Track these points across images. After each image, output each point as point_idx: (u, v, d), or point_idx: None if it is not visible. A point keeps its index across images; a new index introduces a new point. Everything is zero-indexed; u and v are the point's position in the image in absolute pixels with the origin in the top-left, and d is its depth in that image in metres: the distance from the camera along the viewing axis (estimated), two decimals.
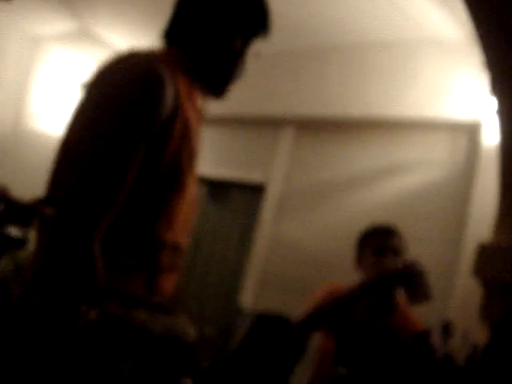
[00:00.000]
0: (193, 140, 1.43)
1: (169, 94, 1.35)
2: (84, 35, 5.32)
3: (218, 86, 1.59)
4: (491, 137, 3.50)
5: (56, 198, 1.19)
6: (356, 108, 4.21)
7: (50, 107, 5.74)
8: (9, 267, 4.45)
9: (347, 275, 3.49)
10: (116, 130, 1.31)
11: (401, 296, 2.82)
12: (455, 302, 3.42)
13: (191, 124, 1.43)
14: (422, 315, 2.94)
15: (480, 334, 2.18)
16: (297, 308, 2.97)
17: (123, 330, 0.70)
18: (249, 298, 4.44)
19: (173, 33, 1.61)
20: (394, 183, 4.06)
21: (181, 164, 1.39)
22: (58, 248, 1.17)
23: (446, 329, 1.95)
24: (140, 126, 1.32)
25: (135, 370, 0.65)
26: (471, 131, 3.76)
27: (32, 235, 1.04)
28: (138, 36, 5.16)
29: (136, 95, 1.33)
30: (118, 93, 1.34)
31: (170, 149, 1.36)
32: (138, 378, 0.64)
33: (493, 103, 2.56)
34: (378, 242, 2.74)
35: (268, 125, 4.73)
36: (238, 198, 4.95)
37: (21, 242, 0.90)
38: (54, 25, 5.22)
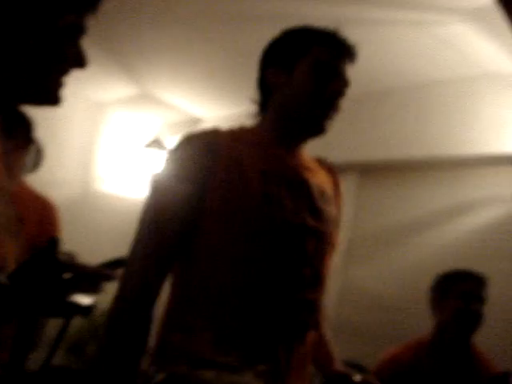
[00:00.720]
0: (249, 188, 1.44)
1: (197, 152, 1.46)
2: (146, 98, 5.47)
3: (311, 125, 1.60)
4: None
5: (124, 260, 1.23)
6: (418, 149, 4.18)
7: (116, 170, 5.89)
8: (84, 327, 4.53)
9: (420, 319, 3.43)
10: (153, 196, 1.47)
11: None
12: None
13: (253, 176, 1.45)
14: (501, 359, 2.86)
15: None
16: (369, 355, 2.92)
17: None
18: None
19: (259, 99, 1.66)
20: (462, 223, 3.98)
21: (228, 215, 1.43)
22: (114, 313, 1.27)
23: None
24: (173, 184, 1.45)
25: None
26: None
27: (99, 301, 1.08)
28: (198, 96, 5.29)
29: (170, 160, 1.50)
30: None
31: (213, 197, 1.42)
32: None
33: None
34: (466, 287, 2.69)
35: None
36: None
37: (86, 310, 0.92)
38: (117, 90, 5.39)
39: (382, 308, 4.13)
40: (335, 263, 1.73)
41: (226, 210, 1.42)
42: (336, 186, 1.75)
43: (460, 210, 4.01)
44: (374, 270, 4.29)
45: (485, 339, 2.84)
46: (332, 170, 1.77)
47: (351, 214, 4.51)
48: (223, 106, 5.39)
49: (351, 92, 1.66)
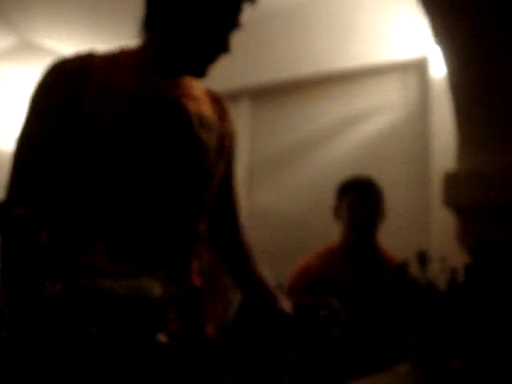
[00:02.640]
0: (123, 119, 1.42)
1: (61, 80, 1.42)
2: (26, 48, 5.27)
3: (194, 68, 1.55)
4: (439, 68, 3.54)
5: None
6: (306, 67, 4.24)
7: (11, 125, 5.71)
8: None
9: (326, 232, 3.55)
10: (26, 122, 1.44)
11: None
12: (434, 233, 3.49)
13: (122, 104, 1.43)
14: (405, 250, 3.01)
15: (462, 260, 2.22)
16: (281, 272, 3.00)
17: (88, 297, 0.74)
18: None
19: (144, 22, 1.58)
20: (356, 133, 4.10)
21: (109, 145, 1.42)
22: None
23: (422, 258, 2.00)
24: (41, 112, 1.43)
25: (105, 331, 0.69)
26: (419, 67, 3.81)
27: None
28: (82, 38, 5.13)
29: (36, 87, 1.45)
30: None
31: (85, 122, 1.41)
32: (110, 339, 0.68)
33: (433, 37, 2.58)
34: (354, 197, 2.80)
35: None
36: None
37: None
38: None
39: (290, 225, 4.24)
40: (238, 189, 1.80)
41: (97, 137, 1.40)
42: (223, 113, 1.72)
43: (353, 121, 4.12)
44: (278, 190, 4.39)
45: (385, 237, 2.99)
46: (219, 98, 1.74)
47: (247, 139, 4.56)
48: (111, 46, 5.25)
49: None
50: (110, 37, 5.02)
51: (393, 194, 3.34)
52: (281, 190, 4.38)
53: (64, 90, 1.42)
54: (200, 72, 1.56)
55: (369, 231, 2.81)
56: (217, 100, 1.73)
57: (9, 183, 1.42)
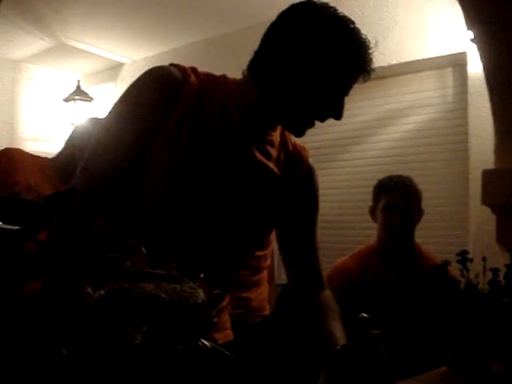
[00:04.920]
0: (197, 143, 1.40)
1: (162, 86, 1.38)
2: (62, 50, 5.33)
3: (292, 127, 1.54)
4: (478, 65, 3.48)
5: (71, 191, 1.15)
6: None
7: (43, 127, 5.78)
8: None
9: (363, 232, 3.52)
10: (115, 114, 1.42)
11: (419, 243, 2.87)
12: (473, 232, 3.44)
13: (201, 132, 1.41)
14: (444, 249, 2.98)
15: (503, 259, 2.19)
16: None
17: (131, 302, 0.74)
18: None
19: (254, 66, 1.51)
20: (393, 131, 4.06)
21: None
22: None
23: (463, 257, 1.97)
24: (134, 113, 1.38)
25: (150, 337, 0.69)
26: (458, 64, 3.75)
27: None
28: (113, 39, 5.17)
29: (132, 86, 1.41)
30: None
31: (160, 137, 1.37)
32: (154, 345, 0.67)
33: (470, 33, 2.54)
34: (390, 198, 2.76)
35: None
36: None
37: (12, 233, 0.87)
38: (32, 45, 5.24)
39: (327, 225, 4.21)
40: None
41: (164, 156, 1.39)
42: (297, 169, 1.71)
43: (391, 120, 4.08)
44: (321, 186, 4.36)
45: (424, 236, 2.96)
46: (301, 154, 1.72)
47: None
48: (146, 48, 5.28)
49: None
50: (144, 37, 5.06)
51: (431, 192, 3.31)
52: (323, 186, 4.35)
53: (158, 95, 1.39)
54: (300, 132, 1.54)
55: (404, 233, 2.76)
56: (298, 154, 1.70)
57: (80, 173, 1.39)
